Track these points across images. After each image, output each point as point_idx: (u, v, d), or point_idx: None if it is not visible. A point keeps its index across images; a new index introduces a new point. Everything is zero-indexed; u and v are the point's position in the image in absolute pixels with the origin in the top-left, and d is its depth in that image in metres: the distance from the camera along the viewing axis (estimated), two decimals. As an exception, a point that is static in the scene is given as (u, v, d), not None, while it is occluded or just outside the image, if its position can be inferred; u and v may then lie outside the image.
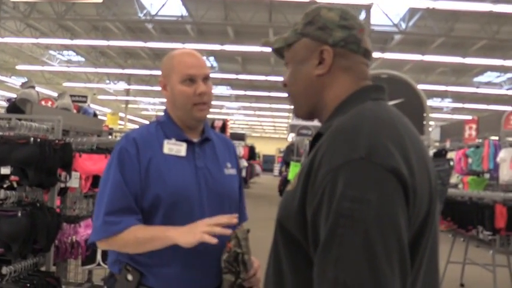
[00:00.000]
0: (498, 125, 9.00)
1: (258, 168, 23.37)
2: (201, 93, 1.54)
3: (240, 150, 15.93)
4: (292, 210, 0.89)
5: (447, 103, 22.32)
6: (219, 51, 15.30)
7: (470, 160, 7.80)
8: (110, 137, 4.70)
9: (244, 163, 16.08)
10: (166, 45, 13.94)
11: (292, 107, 1.10)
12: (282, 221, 0.93)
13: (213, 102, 1.66)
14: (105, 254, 3.41)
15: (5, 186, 3.12)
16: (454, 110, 23.98)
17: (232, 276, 1.44)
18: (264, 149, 34.08)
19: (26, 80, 5.58)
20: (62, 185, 3.46)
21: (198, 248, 1.39)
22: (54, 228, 3.10)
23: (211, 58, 17.90)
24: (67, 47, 17.08)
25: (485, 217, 4.88)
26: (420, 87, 4.06)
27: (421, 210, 0.84)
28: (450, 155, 8.13)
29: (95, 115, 7.43)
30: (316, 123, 1.03)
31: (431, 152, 6.10)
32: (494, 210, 4.80)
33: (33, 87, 5.20)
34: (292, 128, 15.11)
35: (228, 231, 1.40)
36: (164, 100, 1.65)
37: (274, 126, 39.36)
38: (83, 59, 18.96)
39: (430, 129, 4.59)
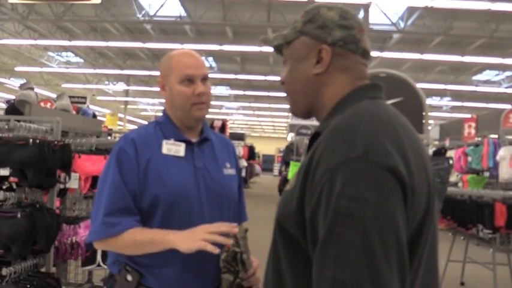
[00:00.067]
0: (497, 123, 9.01)
1: (257, 168, 23.35)
2: (200, 94, 1.54)
3: (240, 150, 15.93)
4: (291, 209, 0.88)
5: (446, 102, 22.31)
6: (217, 51, 15.31)
7: (469, 158, 7.80)
8: (109, 137, 4.71)
9: (243, 163, 16.06)
10: (165, 46, 13.92)
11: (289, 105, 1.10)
12: (281, 221, 0.93)
13: (212, 103, 1.65)
14: (105, 254, 3.41)
15: (4, 187, 3.11)
16: (453, 109, 23.99)
17: (231, 275, 1.43)
18: (263, 148, 34.04)
19: (25, 81, 5.56)
20: (62, 186, 3.46)
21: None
22: (53, 229, 3.10)
23: (210, 58, 17.89)
24: (66, 48, 17.07)
25: (485, 215, 4.88)
26: (419, 86, 4.06)
27: (420, 209, 0.84)
28: (449, 153, 8.12)
29: (94, 116, 7.40)
30: (315, 122, 1.02)
31: (430, 150, 6.09)
32: (494, 208, 4.80)
33: (32, 88, 5.19)
34: (292, 128, 15.07)
35: (229, 241, 1.38)
36: (163, 100, 1.65)
37: (273, 126, 39.35)
38: (81, 60, 18.94)
39: (429, 127, 4.60)
